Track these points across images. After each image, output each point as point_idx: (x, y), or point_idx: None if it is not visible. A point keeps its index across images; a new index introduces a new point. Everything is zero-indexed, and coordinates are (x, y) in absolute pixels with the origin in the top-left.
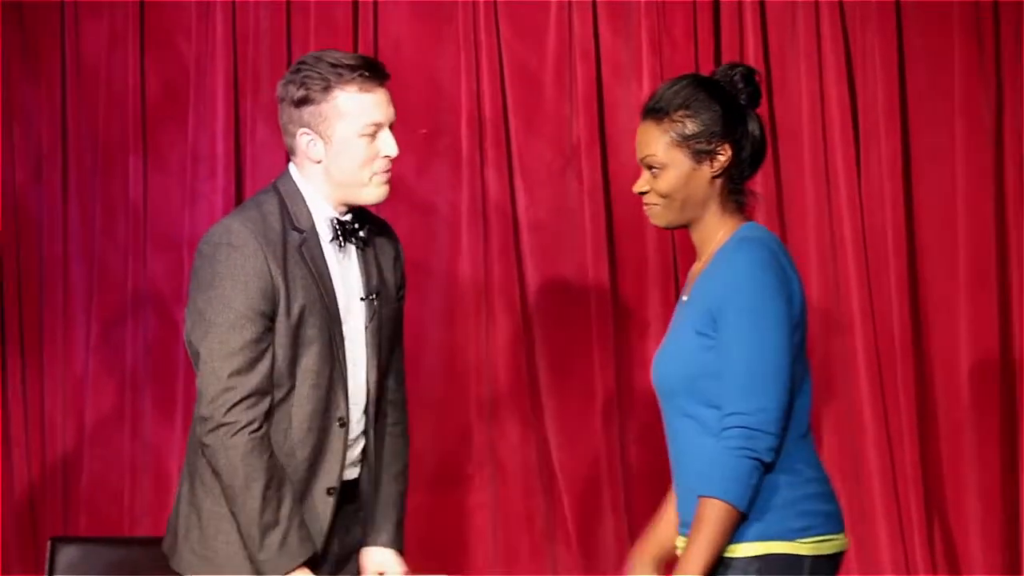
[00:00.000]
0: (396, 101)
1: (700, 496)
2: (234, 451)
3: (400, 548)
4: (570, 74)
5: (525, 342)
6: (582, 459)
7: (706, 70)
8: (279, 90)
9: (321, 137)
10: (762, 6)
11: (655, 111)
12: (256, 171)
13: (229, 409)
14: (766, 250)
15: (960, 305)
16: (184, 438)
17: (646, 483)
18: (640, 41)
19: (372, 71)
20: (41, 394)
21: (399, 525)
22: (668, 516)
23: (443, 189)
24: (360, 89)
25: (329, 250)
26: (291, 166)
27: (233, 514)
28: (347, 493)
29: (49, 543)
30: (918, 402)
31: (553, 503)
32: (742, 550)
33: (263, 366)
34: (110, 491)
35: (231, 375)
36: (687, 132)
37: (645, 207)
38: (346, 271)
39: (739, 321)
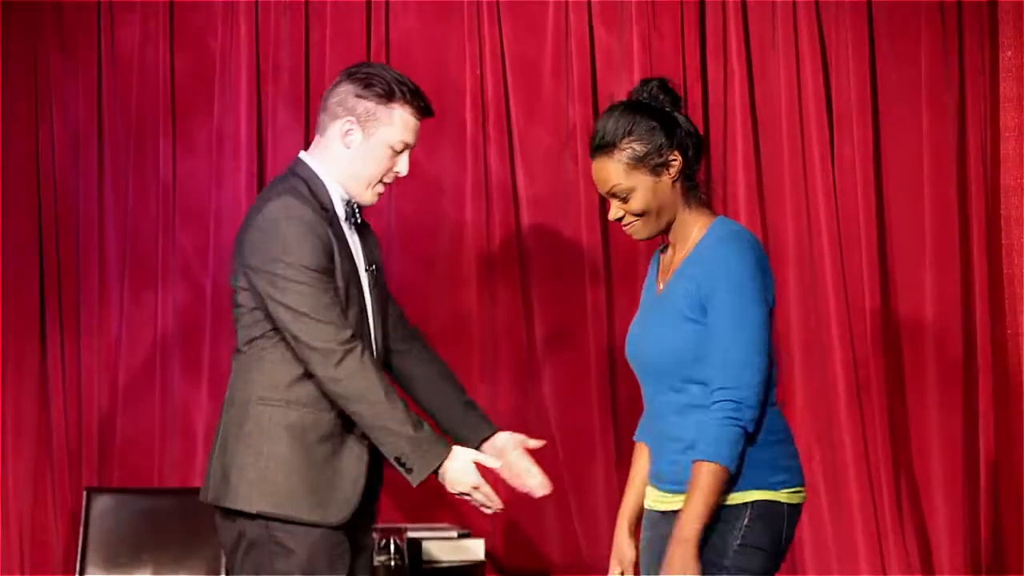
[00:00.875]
0: None
1: (696, 460)
2: (368, 369)
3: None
4: (566, 65)
5: (524, 310)
6: (576, 420)
7: (692, 64)
8: (341, 77)
9: (363, 131)
10: (744, 4)
11: (604, 147)
12: (276, 152)
13: (347, 341)
14: (747, 243)
15: (926, 281)
16: (209, 397)
17: (633, 436)
18: (631, 35)
19: (428, 106)
20: (78, 356)
21: (484, 415)
22: (635, 483)
23: (449, 169)
24: (413, 113)
25: (344, 227)
26: (303, 155)
27: (378, 426)
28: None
29: (85, 492)
30: (887, 372)
31: (549, 461)
32: (735, 498)
33: (341, 312)
34: (141, 446)
35: (336, 316)
36: (639, 153)
37: (626, 228)
38: (356, 247)
39: (726, 307)
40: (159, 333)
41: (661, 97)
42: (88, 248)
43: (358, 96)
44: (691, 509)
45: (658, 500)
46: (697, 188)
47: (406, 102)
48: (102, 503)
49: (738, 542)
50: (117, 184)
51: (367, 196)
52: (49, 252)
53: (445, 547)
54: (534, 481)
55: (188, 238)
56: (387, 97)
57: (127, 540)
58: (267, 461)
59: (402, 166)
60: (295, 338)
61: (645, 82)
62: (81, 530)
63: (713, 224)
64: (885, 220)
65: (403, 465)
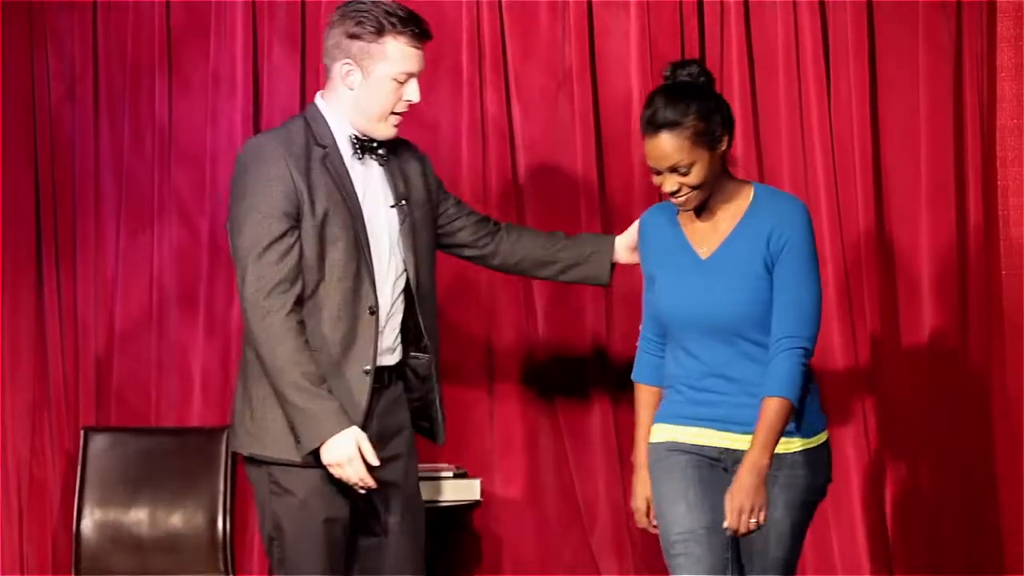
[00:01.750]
0: None
1: (769, 396)
2: (271, 331)
3: None
4: (563, 4)
5: None
6: (572, 357)
7: (688, 1)
8: (333, 18)
9: (362, 71)
10: None
11: (667, 125)
12: (272, 91)
13: (265, 296)
14: (805, 208)
15: (921, 221)
16: (206, 336)
17: (629, 380)
18: None
19: (422, 30)
20: (74, 297)
21: (592, 239)
22: (648, 425)
23: (445, 109)
24: (408, 42)
25: (352, 163)
26: (317, 97)
27: (277, 390)
28: (390, 377)
29: (82, 432)
30: (882, 315)
31: (543, 398)
32: (819, 439)
33: (290, 259)
34: (138, 385)
35: (262, 268)
36: (701, 131)
37: (679, 199)
38: (370, 181)
39: (798, 265)
40: (155, 273)
41: (702, 79)
42: (84, 189)
43: (350, 36)
44: (765, 441)
45: (698, 436)
46: (728, 162)
47: (398, 33)
48: (99, 442)
49: (823, 479)
50: (113, 124)
51: (382, 130)
52: (45, 193)
53: (442, 487)
54: None
55: (184, 179)
56: (378, 32)
57: (124, 479)
58: (257, 405)
59: (411, 94)
60: (238, 280)
61: (683, 64)
62: (78, 469)
63: (756, 189)
64: (881, 159)
65: (293, 432)
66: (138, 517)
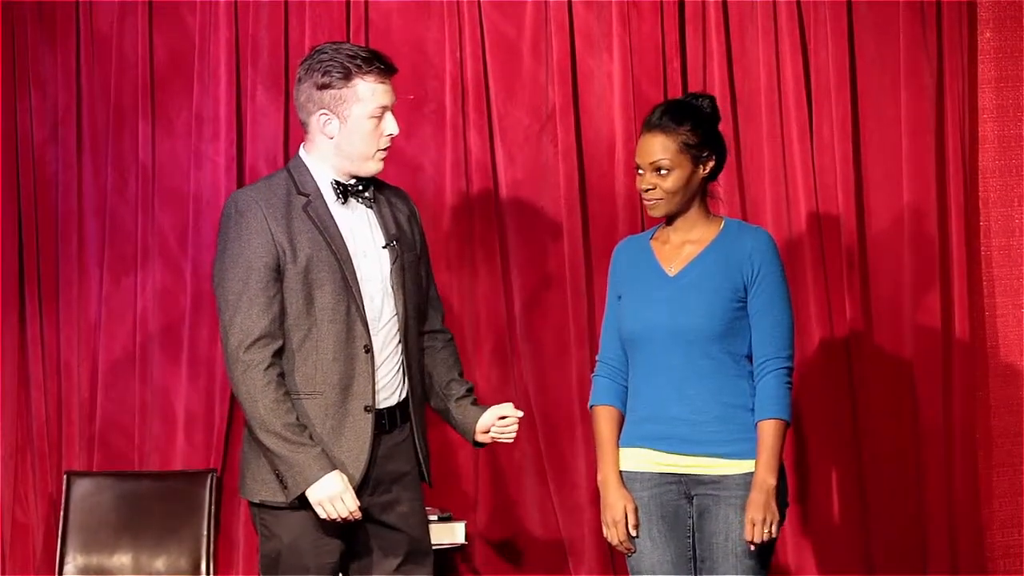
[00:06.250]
0: None
1: (765, 419)
2: (250, 385)
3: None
4: (546, 44)
5: (504, 290)
6: (556, 398)
7: (671, 42)
8: (299, 73)
9: (338, 117)
10: None
11: (663, 127)
12: (256, 133)
13: (245, 350)
14: (773, 238)
15: (904, 261)
16: (189, 379)
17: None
18: (610, 14)
19: (386, 65)
20: (57, 339)
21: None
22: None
23: (429, 150)
24: (376, 79)
25: (337, 209)
26: (300, 149)
27: (259, 441)
28: (391, 420)
29: (65, 476)
30: (865, 353)
31: (529, 438)
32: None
33: (271, 311)
34: (121, 429)
35: (242, 321)
36: (691, 142)
37: (649, 202)
38: (357, 224)
39: (774, 291)
40: (138, 316)
41: (709, 110)
42: (67, 231)
43: (320, 87)
44: (768, 461)
45: (657, 461)
46: (708, 194)
47: (365, 72)
48: (82, 487)
49: (780, 501)
50: (96, 166)
51: (370, 167)
52: (28, 235)
53: None
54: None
55: (167, 221)
56: (346, 77)
57: (107, 523)
58: (248, 447)
59: (390, 127)
60: (221, 332)
61: (697, 95)
62: (61, 513)
63: (727, 221)
64: (863, 199)
65: (280, 481)
66: (121, 561)
